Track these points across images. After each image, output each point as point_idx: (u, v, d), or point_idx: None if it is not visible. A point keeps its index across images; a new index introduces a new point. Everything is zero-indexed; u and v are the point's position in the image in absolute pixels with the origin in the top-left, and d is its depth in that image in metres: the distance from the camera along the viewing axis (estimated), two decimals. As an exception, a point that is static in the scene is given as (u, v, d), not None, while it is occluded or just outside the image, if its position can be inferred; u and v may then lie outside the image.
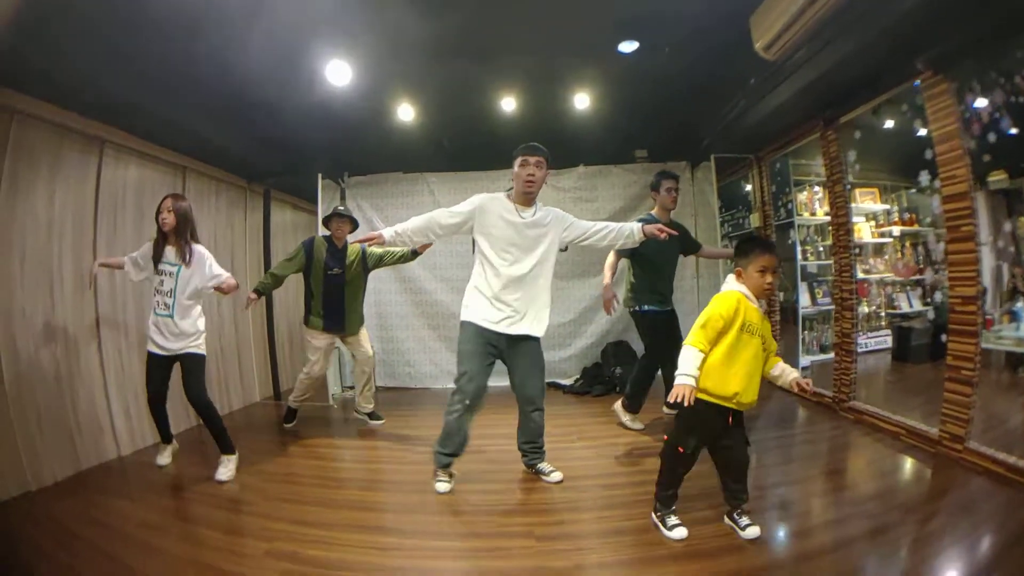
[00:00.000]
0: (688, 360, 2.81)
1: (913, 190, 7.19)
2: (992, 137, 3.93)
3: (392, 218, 7.08)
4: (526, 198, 3.79)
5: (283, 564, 2.88)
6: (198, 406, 4.16)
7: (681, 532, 2.97)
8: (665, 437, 3.14)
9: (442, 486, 3.75)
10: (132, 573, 2.83)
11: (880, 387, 6.19)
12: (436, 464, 3.83)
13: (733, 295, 2.91)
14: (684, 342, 2.88)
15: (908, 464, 4.02)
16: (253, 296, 4.99)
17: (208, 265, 4.14)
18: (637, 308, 4.98)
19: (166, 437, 4.46)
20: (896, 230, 7.62)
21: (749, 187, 7.33)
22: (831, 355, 6.02)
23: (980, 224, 3.89)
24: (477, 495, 3.72)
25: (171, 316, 4.07)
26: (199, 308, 4.25)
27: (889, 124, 5.41)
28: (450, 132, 6.00)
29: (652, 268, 4.94)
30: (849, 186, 5.31)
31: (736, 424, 2.95)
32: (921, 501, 3.45)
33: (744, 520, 2.99)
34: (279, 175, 6.80)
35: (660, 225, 3.87)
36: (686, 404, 2.74)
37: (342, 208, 5.41)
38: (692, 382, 2.77)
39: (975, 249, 3.84)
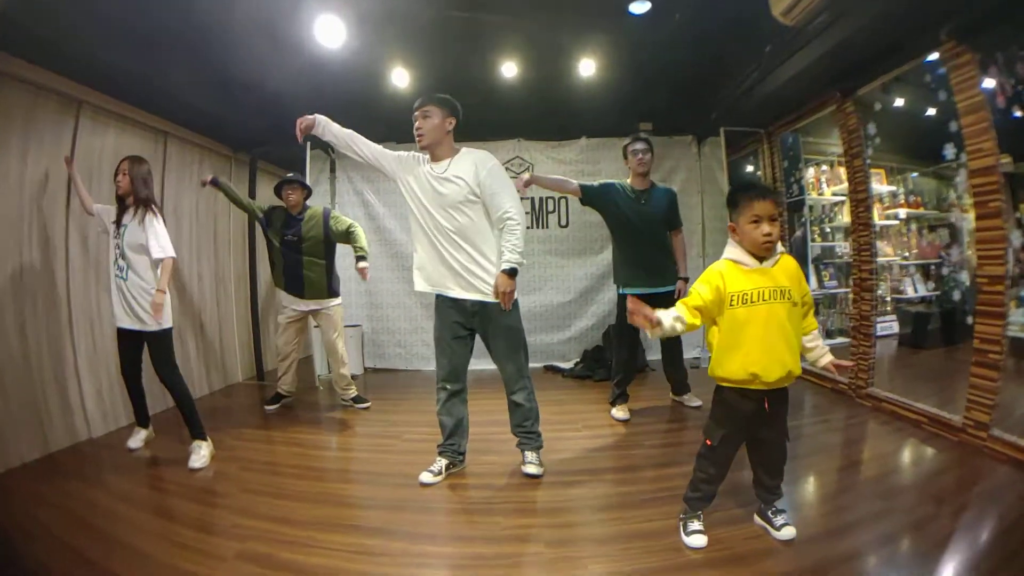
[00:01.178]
0: (669, 313, 2.56)
1: (915, 173, 7.04)
2: (996, 120, 3.75)
3: (383, 191, 6.95)
4: (428, 151, 3.49)
5: (254, 569, 2.58)
6: (166, 384, 3.95)
7: (699, 540, 2.65)
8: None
9: (424, 476, 3.50)
10: (90, 565, 2.59)
11: (891, 373, 5.96)
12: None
13: (712, 270, 2.58)
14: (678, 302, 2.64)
15: (934, 454, 3.79)
16: (206, 179, 5.12)
17: (155, 228, 3.87)
18: (618, 290, 4.80)
19: (142, 419, 4.24)
20: (902, 212, 7.46)
21: (750, 167, 7.10)
22: (837, 340, 5.80)
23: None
24: (474, 490, 3.42)
25: (123, 278, 3.85)
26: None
27: (899, 103, 5.29)
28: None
29: (625, 238, 4.70)
30: (868, 161, 5.04)
31: (774, 411, 2.58)
32: (953, 492, 3.23)
33: (779, 519, 2.69)
34: (266, 144, 6.47)
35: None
36: (629, 321, 2.60)
37: (291, 175, 5.21)
38: (656, 319, 2.51)
39: (1003, 226, 3.62)
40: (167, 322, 3.95)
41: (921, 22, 3.79)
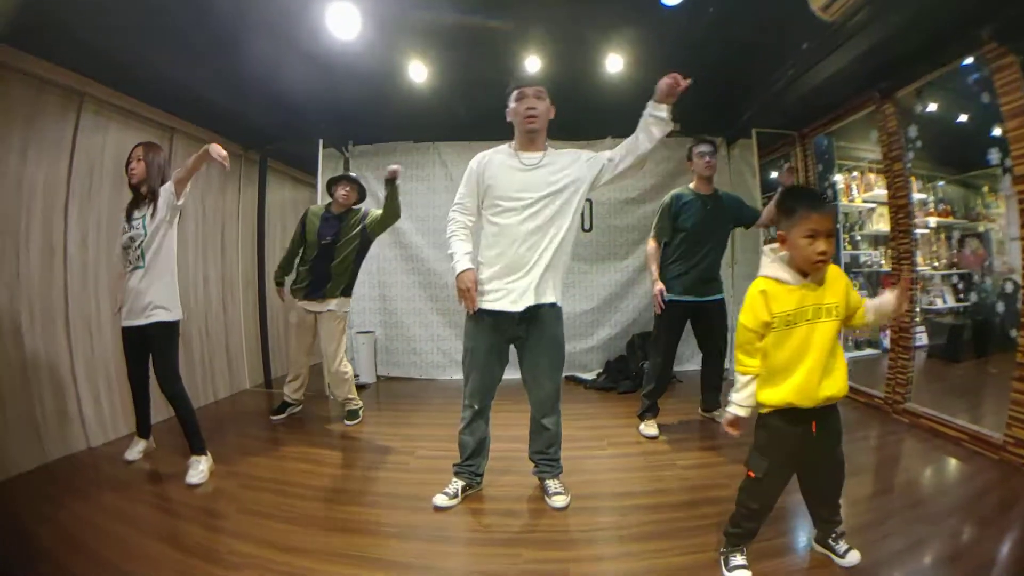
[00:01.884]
0: (735, 388, 2.40)
1: (942, 182, 6.85)
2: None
3: (400, 191, 6.57)
4: (530, 138, 3.17)
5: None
6: (166, 393, 3.72)
7: (744, 575, 2.40)
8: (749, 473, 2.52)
9: (438, 499, 3.22)
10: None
11: (925, 386, 5.75)
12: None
13: (755, 288, 2.35)
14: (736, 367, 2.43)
15: (976, 473, 3.60)
16: (280, 290, 5.08)
17: (167, 185, 3.72)
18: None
19: (143, 429, 4.02)
20: (932, 221, 7.31)
21: (774, 174, 6.84)
22: (866, 352, 5.61)
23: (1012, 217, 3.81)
24: (492, 516, 3.14)
25: (141, 267, 3.64)
26: (173, 269, 3.81)
27: (931, 108, 5.14)
28: (466, 96, 5.47)
29: (683, 243, 4.47)
30: (909, 165, 4.82)
31: (823, 433, 2.34)
32: (999, 515, 3.07)
33: (842, 545, 2.48)
34: (277, 141, 6.27)
35: (670, 77, 2.99)
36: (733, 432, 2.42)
37: (352, 173, 4.97)
38: (741, 412, 2.38)
39: None
40: (177, 314, 3.78)
41: (963, 21, 3.67)
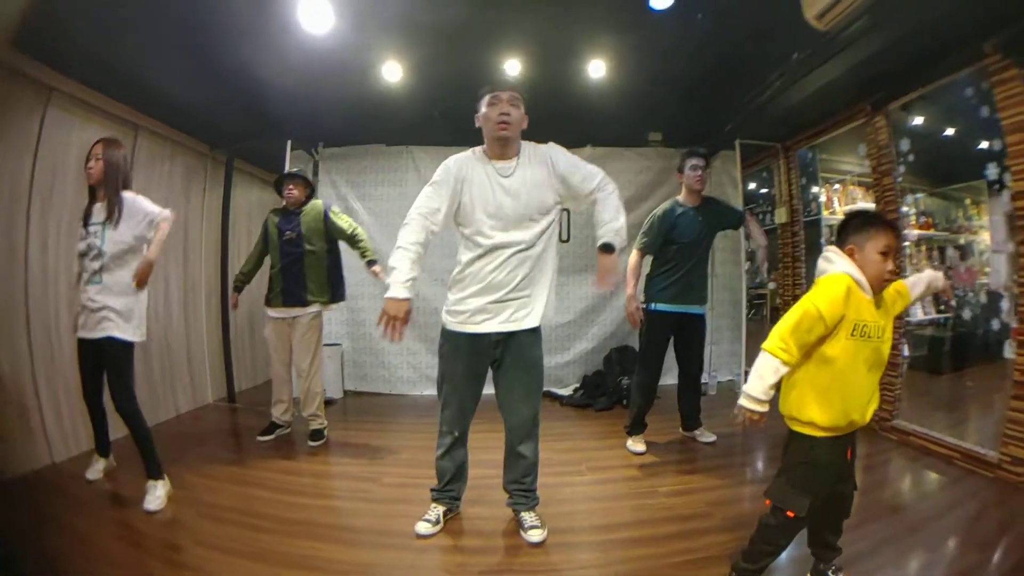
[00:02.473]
0: (764, 374, 2.12)
1: (919, 194, 6.87)
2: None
3: (369, 196, 6.58)
4: (501, 145, 2.95)
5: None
6: (120, 413, 3.48)
7: None
8: (767, 501, 2.30)
9: (420, 526, 3.05)
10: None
11: (909, 401, 5.70)
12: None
13: (841, 280, 2.14)
14: (763, 346, 2.16)
15: (972, 493, 3.58)
16: (234, 296, 4.86)
17: (140, 206, 3.50)
18: (643, 304, 4.51)
19: (102, 447, 3.80)
20: (914, 233, 7.31)
21: (752, 185, 6.87)
22: None
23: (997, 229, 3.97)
24: (464, 555, 2.92)
25: (97, 282, 3.42)
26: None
27: (917, 121, 5.10)
28: (442, 99, 5.33)
29: (675, 256, 4.46)
30: (900, 179, 4.86)
31: (853, 459, 2.26)
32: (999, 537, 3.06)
33: None
34: (245, 141, 6.06)
35: (603, 275, 2.94)
36: (746, 427, 2.21)
37: (296, 169, 4.93)
38: (759, 409, 2.13)
39: None
40: (136, 335, 3.55)
41: (965, 32, 3.65)
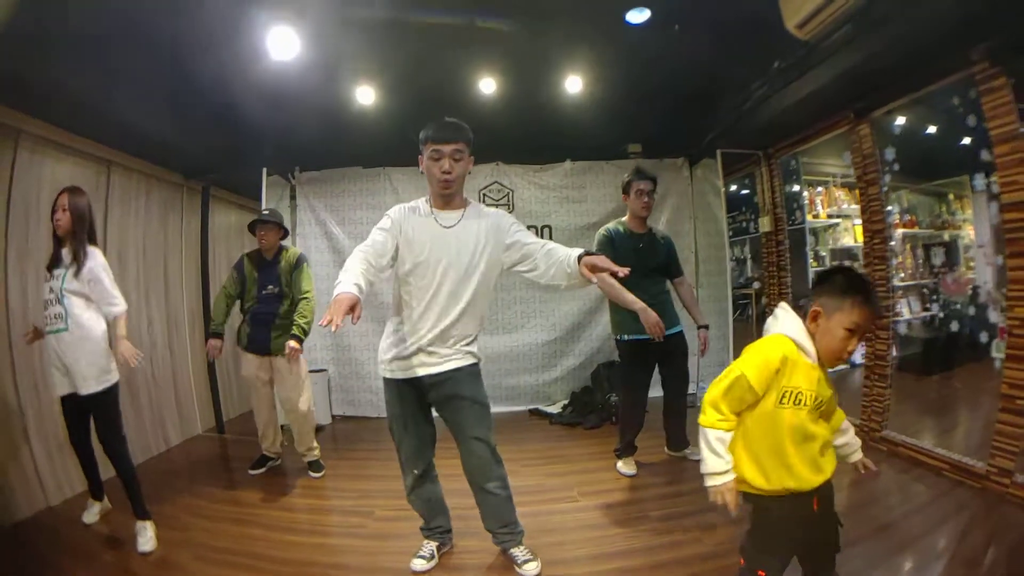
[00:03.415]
0: (714, 448, 2.02)
1: (901, 192, 6.94)
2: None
3: (348, 221, 6.58)
4: (445, 199, 2.95)
5: None
6: (109, 454, 3.55)
7: None
8: (742, 561, 2.18)
9: (416, 563, 3.06)
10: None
11: (894, 406, 5.72)
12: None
13: (778, 345, 2.02)
14: (699, 421, 2.07)
15: (961, 505, 3.62)
16: (214, 343, 4.65)
17: (104, 280, 3.51)
18: (616, 337, 4.45)
19: (96, 491, 3.81)
20: (898, 232, 7.35)
21: (739, 189, 6.86)
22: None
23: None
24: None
25: (64, 328, 3.42)
26: (102, 325, 3.56)
27: (900, 120, 5.18)
28: (416, 120, 5.21)
29: (624, 283, 4.17)
30: (886, 187, 4.83)
31: (824, 504, 2.07)
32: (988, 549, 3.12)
33: None
34: (220, 170, 6.05)
35: (605, 259, 2.67)
36: (731, 509, 2.01)
37: (266, 212, 4.80)
38: (727, 479, 2.01)
39: None
40: (113, 377, 3.54)
41: (951, 42, 3.63)
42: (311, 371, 5.34)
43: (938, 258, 6.45)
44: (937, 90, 4.17)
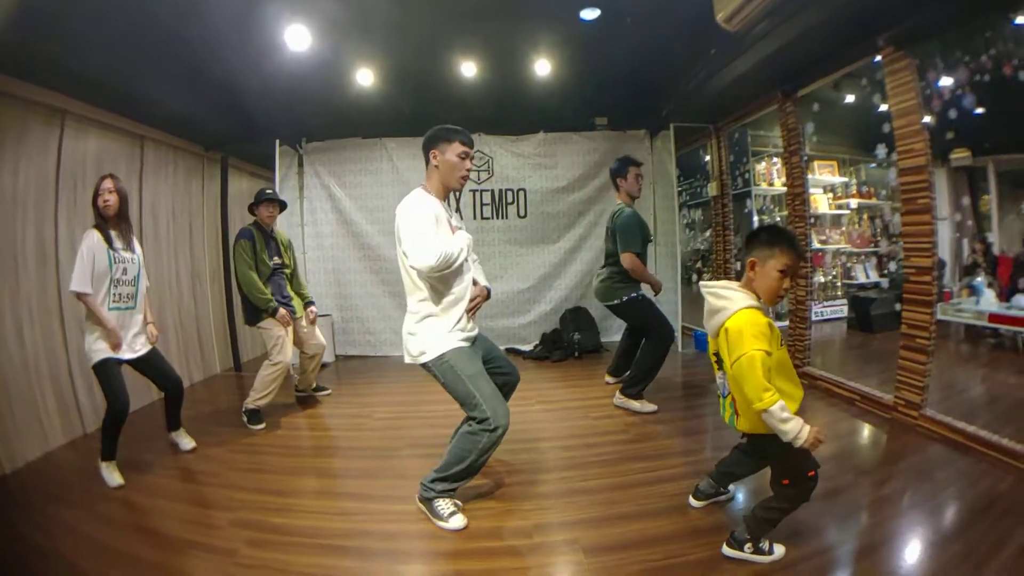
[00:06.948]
0: (781, 417, 2.24)
1: (873, 164, 7.47)
2: (954, 115, 4.12)
3: (350, 184, 7.20)
4: (448, 190, 3.24)
5: (248, 533, 2.90)
6: (176, 383, 4.06)
7: (780, 550, 2.55)
8: (785, 481, 2.45)
9: (456, 520, 2.94)
10: (94, 543, 2.85)
11: (836, 354, 6.43)
12: (438, 494, 3.03)
13: (756, 315, 2.38)
14: (757, 407, 2.25)
15: (864, 429, 4.14)
16: (284, 312, 4.79)
17: (77, 259, 3.62)
18: (635, 295, 4.72)
19: (113, 452, 3.66)
20: (854, 202, 7.95)
21: (708, 157, 7.41)
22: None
23: (941, 199, 3.93)
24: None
25: (133, 308, 3.79)
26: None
27: (850, 98, 5.75)
28: (410, 98, 5.92)
29: (644, 251, 4.81)
30: (806, 158, 5.39)
31: None
32: (877, 465, 3.55)
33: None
34: (237, 142, 6.66)
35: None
36: (822, 440, 2.27)
37: (270, 191, 5.02)
38: (805, 429, 2.25)
39: (931, 221, 3.89)
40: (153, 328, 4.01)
41: (861, 30, 4.04)
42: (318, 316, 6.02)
43: (894, 227, 6.57)
44: (873, 69, 4.39)
